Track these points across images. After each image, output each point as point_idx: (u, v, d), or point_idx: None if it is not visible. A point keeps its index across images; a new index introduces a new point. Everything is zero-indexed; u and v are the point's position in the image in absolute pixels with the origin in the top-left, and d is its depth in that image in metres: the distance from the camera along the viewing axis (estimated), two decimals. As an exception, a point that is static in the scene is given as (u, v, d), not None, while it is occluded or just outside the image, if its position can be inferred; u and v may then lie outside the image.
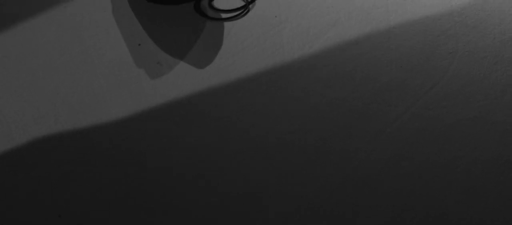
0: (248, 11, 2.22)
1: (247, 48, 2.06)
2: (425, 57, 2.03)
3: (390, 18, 2.21)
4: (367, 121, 1.80)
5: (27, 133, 1.73)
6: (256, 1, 2.27)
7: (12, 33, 2.08)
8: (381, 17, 2.21)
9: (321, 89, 1.90)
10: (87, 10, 2.18)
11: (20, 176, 1.62)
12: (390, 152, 1.71)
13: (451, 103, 1.86)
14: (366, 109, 1.84)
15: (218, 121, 1.79)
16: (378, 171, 1.67)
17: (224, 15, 2.19)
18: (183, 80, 1.92)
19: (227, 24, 2.16)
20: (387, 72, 1.97)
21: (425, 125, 1.79)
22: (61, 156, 1.67)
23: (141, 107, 1.82)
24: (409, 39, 2.10)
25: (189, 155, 1.69)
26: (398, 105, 1.86)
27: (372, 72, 1.97)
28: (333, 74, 1.96)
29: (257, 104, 1.85)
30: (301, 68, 1.98)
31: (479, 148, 1.73)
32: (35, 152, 1.68)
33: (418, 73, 1.97)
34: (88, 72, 1.93)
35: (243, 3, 2.24)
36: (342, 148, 1.72)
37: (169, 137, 1.74)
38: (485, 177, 1.65)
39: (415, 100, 1.87)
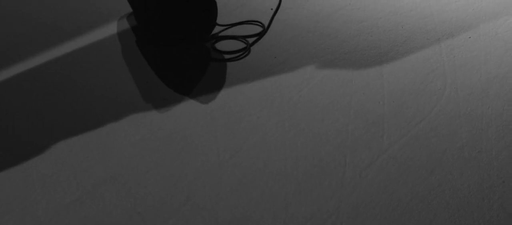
0: (249, 52, 2.36)
1: (247, 85, 2.19)
2: (415, 93, 2.16)
3: (383, 58, 2.35)
4: (360, 150, 1.92)
5: (41, 162, 1.84)
6: (256, 44, 2.42)
7: (24, 68, 2.23)
8: (374, 57, 2.35)
9: (317, 122, 2.02)
10: (96, 51, 2.33)
11: (28, 204, 1.73)
12: (382, 178, 1.82)
13: (439, 134, 1.98)
14: (360, 139, 1.96)
15: (219, 152, 1.91)
16: (371, 196, 1.77)
17: (226, 56, 2.34)
18: (187, 114, 2.04)
19: (229, 64, 2.30)
20: (380, 106, 2.10)
21: (415, 154, 1.90)
22: (71, 183, 1.79)
23: (148, 138, 1.94)
24: (400, 77, 2.24)
25: (191, 183, 1.80)
26: (390, 136, 1.97)
27: (366, 107, 2.10)
28: (329, 109, 2.08)
29: (257, 136, 1.97)
30: (298, 103, 2.11)
31: (465, 174, 1.84)
32: (47, 183, 1.79)
33: (408, 108, 2.10)
34: (98, 108, 2.06)
35: (244, 45, 2.39)
36: (337, 175, 1.83)
37: (173, 166, 1.85)
38: (471, 200, 1.75)
39: (406, 132, 1.99)
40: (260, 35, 2.45)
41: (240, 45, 2.40)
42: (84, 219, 1.68)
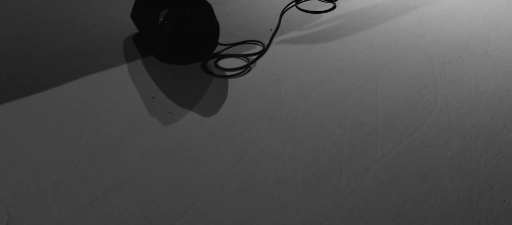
0: (249, 69, 2.48)
1: (248, 100, 2.30)
2: (408, 107, 2.27)
3: (377, 75, 2.46)
4: (356, 159, 2.02)
5: (53, 171, 1.94)
6: (257, 61, 2.53)
7: (39, 87, 2.34)
8: (369, 74, 2.46)
9: (315, 134, 2.13)
10: (105, 69, 2.45)
11: (42, 208, 1.83)
12: (376, 185, 1.92)
13: (430, 145, 2.08)
14: (355, 149, 2.06)
15: (222, 162, 2.01)
16: (366, 201, 1.87)
17: (228, 73, 2.45)
18: (191, 127, 2.15)
19: (231, 81, 2.41)
20: (374, 119, 2.21)
21: (408, 163, 2.00)
22: (82, 189, 1.88)
23: (154, 148, 2.05)
24: (394, 92, 2.35)
25: (195, 189, 1.90)
26: (384, 147, 2.08)
27: (361, 120, 2.20)
28: (326, 122, 2.19)
29: (258, 147, 2.07)
30: (297, 117, 2.21)
31: (455, 181, 1.94)
32: (59, 189, 1.89)
33: (402, 121, 2.20)
34: (107, 121, 2.17)
35: (245, 63, 2.51)
36: (333, 182, 1.93)
37: (178, 175, 1.95)
38: (460, 205, 1.85)
39: (398, 143, 2.10)
40: (260, 53, 2.57)
41: (241, 62, 2.52)
42: (94, 223, 1.77)
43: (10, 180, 1.91)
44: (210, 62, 2.50)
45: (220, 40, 2.61)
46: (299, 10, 2.96)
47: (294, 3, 3.00)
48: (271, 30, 2.76)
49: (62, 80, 2.38)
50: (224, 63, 2.51)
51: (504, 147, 2.07)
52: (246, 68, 2.47)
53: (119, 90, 2.33)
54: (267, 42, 2.66)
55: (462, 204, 1.85)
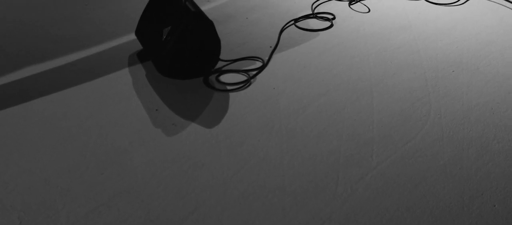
0: (250, 84, 2.57)
1: (249, 113, 2.39)
2: (402, 119, 2.36)
3: (373, 89, 2.55)
4: (352, 168, 2.10)
5: (61, 179, 2.03)
6: (257, 76, 2.63)
7: (48, 101, 2.44)
8: (365, 88, 2.55)
9: (313, 144, 2.21)
10: (110, 84, 2.55)
11: (51, 213, 1.91)
12: (371, 191, 2.00)
13: (423, 154, 2.17)
14: (351, 159, 2.15)
15: (223, 170, 2.09)
16: (361, 206, 1.95)
17: (229, 87, 2.55)
18: (194, 138, 2.24)
19: (232, 94, 2.51)
20: (370, 130, 2.29)
21: (401, 171, 2.09)
22: (89, 195, 1.97)
23: (158, 157, 2.13)
24: (389, 105, 2.44)
25: (198, 195, 1.98)
26: (379, 156, 2.16)
27: (357, 131, 2.29)
28: (323, 133, 2.28)
29: (258, 156, 2.16)
30: (295, 128, 2.30)
31: (447, 187, 2.02)
32: (67, 195, 1.97)
33: (396, 132, 2.29)
34: (112, 132, 2.26)
35: (245, 78, 2.60)
36: (330, 189, 2.01)
37: (181, 182, 2.03)
38: (452, 209, 1.93)
39: (393, 152, 2.18)
40: (260, 69, 2.67)
41: (242, 77, 2.61)
42: (101, 226, 1.85)
43: (20, 187, 2.00)
44: (212, 77, 2.60)
45: (222, 56, 2.70)
46: (297, 28, 3.06)
47: (293, 22, 3.11)
48: (270, 47, 2.86)
49: (69, 93, 2.48)
50: (225, 78, 2.61)
51: (494, 156, 2.15)
52: (246, 83, 2.56)
53: (124, 103, 2.42)
54: (267, 58, 2.76)
55: (453, 209, 1.93)
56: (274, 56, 2.80)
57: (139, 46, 2.83)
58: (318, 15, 3.18)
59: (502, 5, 3.34)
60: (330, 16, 3.18)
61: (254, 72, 2.65)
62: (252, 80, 2.60)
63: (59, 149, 2.17)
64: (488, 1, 3.40)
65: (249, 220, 1.89)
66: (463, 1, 3.37)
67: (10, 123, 2.30)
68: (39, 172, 2.06)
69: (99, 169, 2.08)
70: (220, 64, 2.69)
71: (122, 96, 2.47)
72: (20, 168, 2.07)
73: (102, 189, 1.99)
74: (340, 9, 3.29)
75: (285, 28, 3.06)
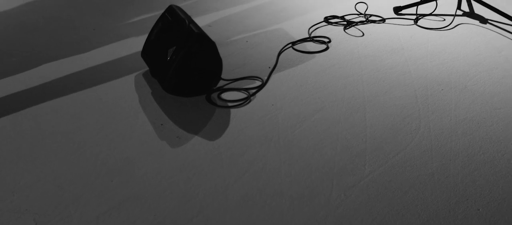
0: (249, 101, 2.73)
1: (249, 127, 2.54)
2: (393, 133, 2.51)
3: (366, 106, 2.71)
4: (345, 176, 2.24)
5: (74, 186, 2.17)
6: (256, 94, 2.79)
7: (59, 115, 2.59)
8: (359, 105, 2.71)
9: (309, 155, 2.36)
10: (119, 101, 2.70)
11: (64, 216, 2.04)
12: (363, 197, 2.14)
13: (413, 164, 2.31)
14: (345, 168, 2.29)
15: (225, 177, 2.23)
16: (354, 210, 2.09)
17: (230, 104, 2.70)
18: (197, 149, 2.38)
19: (232, 111, 2.66)
20: (363, 143, 2.44)
21: (392, 178, 2.23)
22: (100, 200, 2.11)
23: (164, 166, 2.28)
24: (381, 120, 2.59)
25: (202, 200, 2.12)
26: (371, 165, 2.31)
27: (350, 143, 2.44)
28: (318, 145, 2.42)
29: (258, 165, 2.30)
30: (293, 140, 2.45)
31: (435, 193, 2.16)
32: (79, 200, 2.11)
33: (387, 144, 2.43)
34: (121, 144, 2.41)
35: (245, 95, 2.76)
36: (325, 194, 2.15)
37: (186, 188, 2.17)
38: (439, 213, 2.07)
39: (384, 162, 2.32)
40: (259, 87, 2.83)
41: (242, 95, 2.77)
42: (111, 227, 1.99)
43: (35, 193, 2.13)
44: (214, 95, 2.75)
45: (223, 77, 2.86)
46: (295, 51, 3.22)
47: (290, 45, 3.27)
48: (269, 67, 3.02)
49: (81, 109, 2.63)
50: (227, 95, 2.76)
51: (479, 165, 2.30)
52: (246, 100, 2.72)
53: (132, 118, 2.57)
54: (266, 77, 2.92)
55: (440, 213, 2.07)
56: (273, 76, 2.96)
57: (144, 67, 2.98)
58: (315, 38, 3.35)
59: (489, 29, 3.51)
60: (326, 40, 3.35)
61: (254, 90, 2.80)
62: (252, 97, 2.75)
63: (71, 159, 2.31)
64: (476, 26, 3.57)
65: (249, 222, 2.02)
66: (453, 26, 3.55)
67: (26, 136, 2.45)
68: (53, 180, 2.20)
69: (109, 177, 2.22)
70: (221, 82, 2.84)
71: (130, 112, 2.62)
72: (34, 177, 2.21)
73: (112, 195, 2.13)
74: (335, 33, 3.46)
75: (283, 51, 3.22)
